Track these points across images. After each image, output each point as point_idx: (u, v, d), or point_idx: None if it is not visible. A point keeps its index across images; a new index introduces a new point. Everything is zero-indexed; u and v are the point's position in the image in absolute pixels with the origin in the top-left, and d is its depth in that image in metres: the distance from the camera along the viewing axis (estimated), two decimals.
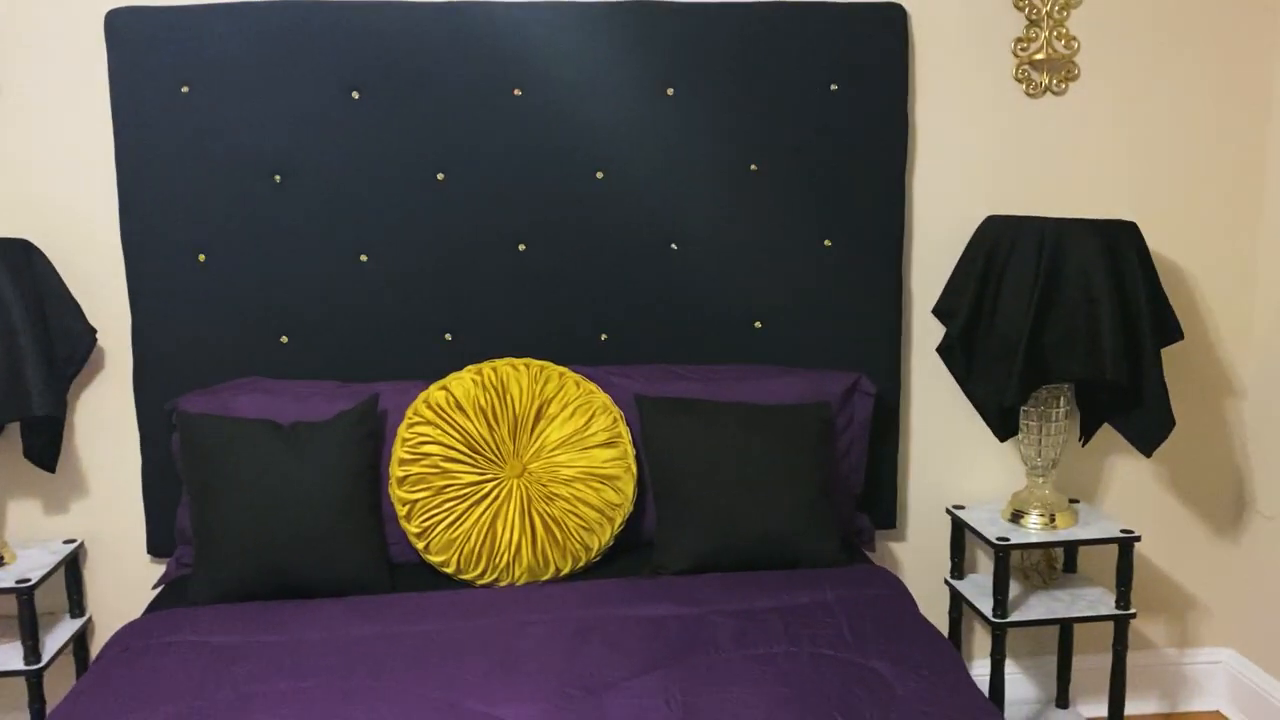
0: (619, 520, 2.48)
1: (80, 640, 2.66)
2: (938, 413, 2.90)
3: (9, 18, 2.50)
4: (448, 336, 2.69)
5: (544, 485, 2.43)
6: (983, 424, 2.83)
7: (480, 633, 2.12)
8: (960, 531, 2.84)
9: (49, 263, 2.51)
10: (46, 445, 2.52)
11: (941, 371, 2.85)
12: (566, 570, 2.44)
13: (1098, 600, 2.71)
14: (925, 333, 2.86)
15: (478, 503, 2.41)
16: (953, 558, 2.86)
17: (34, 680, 2.43)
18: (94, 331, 2.57)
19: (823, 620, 2.15)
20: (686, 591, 2.29)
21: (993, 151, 2.80)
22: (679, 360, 2.74)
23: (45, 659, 2.44)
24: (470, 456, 2.43)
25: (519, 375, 2.52)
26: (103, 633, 2.72)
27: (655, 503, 2.53)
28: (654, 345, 2.74)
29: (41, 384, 2.34)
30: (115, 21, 2.50)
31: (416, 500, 2.42)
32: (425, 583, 2.42)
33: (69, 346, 2.53)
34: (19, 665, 2.42)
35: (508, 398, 2.48)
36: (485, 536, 2.39)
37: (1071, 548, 2.87)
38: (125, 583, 2.72)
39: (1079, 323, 2.46)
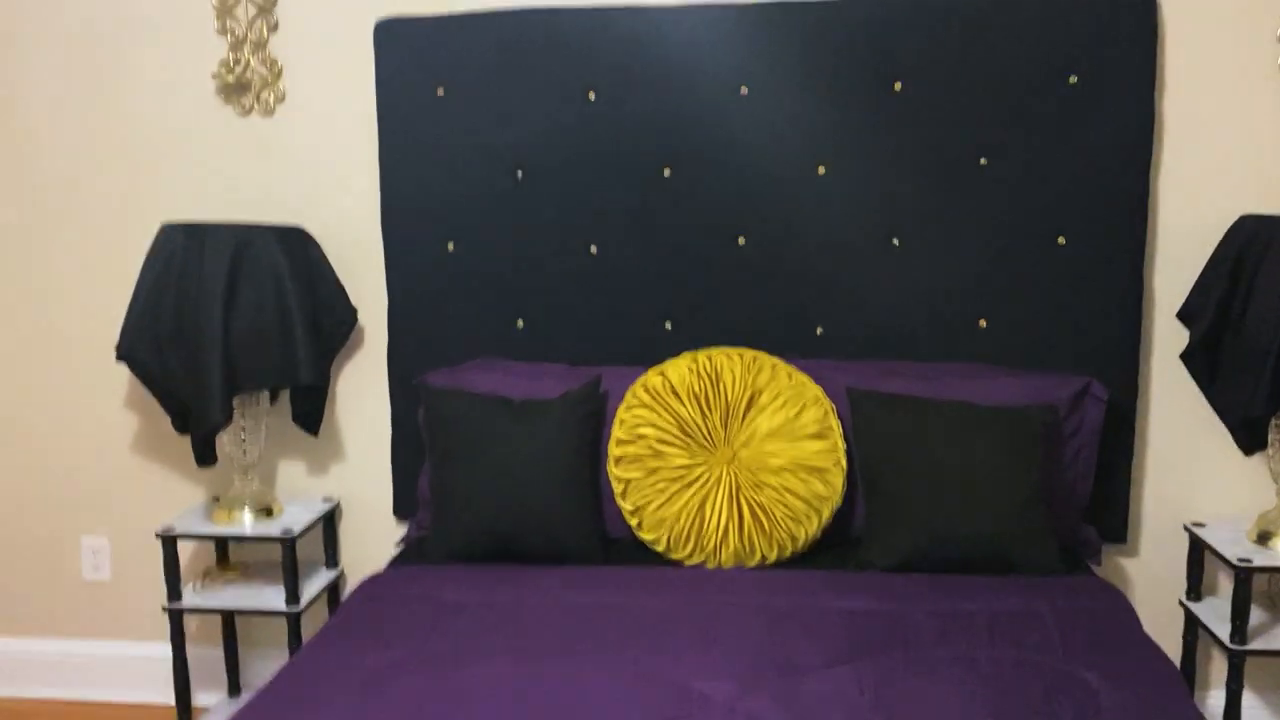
0: (826, 513, 2.49)
1: (333, 589, 2.95)
2: (1179, 423, 2.73)
3: (292, 32, 2.82)
4: (668, 325, 2.79)
5: (753, 473, 2.49)
6: (1228, 436, 2.64)
7: (685, 610, 2.19)
8: (1199, 550, 2.66)
9: (320, 249, 2.81)
10: (311, 412, 2.82)
11: (1185, 379, 2.68)
12: (773, 558, 2.49)
13: None
14: (1168, 337, 2.70)
15: (688, 485, 2.49)
16: (1189, 578, 2.68)
17: (293, 621, 2.72)
18: (355, 312, 2.86)
19: (1031, 627, 2.09)
20: (889, 587, 2.28)
21: (1249, 147, 2.60)
22: (897, 357, 2.72)
23: (303, 603, 2.74)
24: (682, 440, 2.52)
25: (732, 364, 2.58)
26: (353, 583, 3.01)
27: (864, 498, 2.52)
28: (872, 341, 2.73)
29: (310, 356, 2.63)
30: (383, 31, 2.77)
31: (631, 480, 2.53)
32: (635, 558, 2.53)
33: (334, 324, 2.82)
34: (281, 607, 2.72)
35: (720, 385, 2.55)
36: (694, 518, 2.48)
37: None
38: (373, 539, 3.00)
39: None
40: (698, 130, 2.71)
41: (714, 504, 2.47)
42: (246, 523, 2.77)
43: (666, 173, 2.74)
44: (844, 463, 2.51)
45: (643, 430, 2.54)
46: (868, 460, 2.50)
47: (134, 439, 3.04)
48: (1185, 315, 2.64)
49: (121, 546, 3.09)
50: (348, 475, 3.01)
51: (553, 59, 2.72)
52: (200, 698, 3.07)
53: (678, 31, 2.68)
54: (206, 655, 3.02)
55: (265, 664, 3.04)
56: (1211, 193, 2.62)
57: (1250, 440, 2.50)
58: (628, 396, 2.61)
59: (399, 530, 2.97)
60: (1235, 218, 2.56)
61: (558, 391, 2.65)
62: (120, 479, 3.06)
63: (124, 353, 2.58)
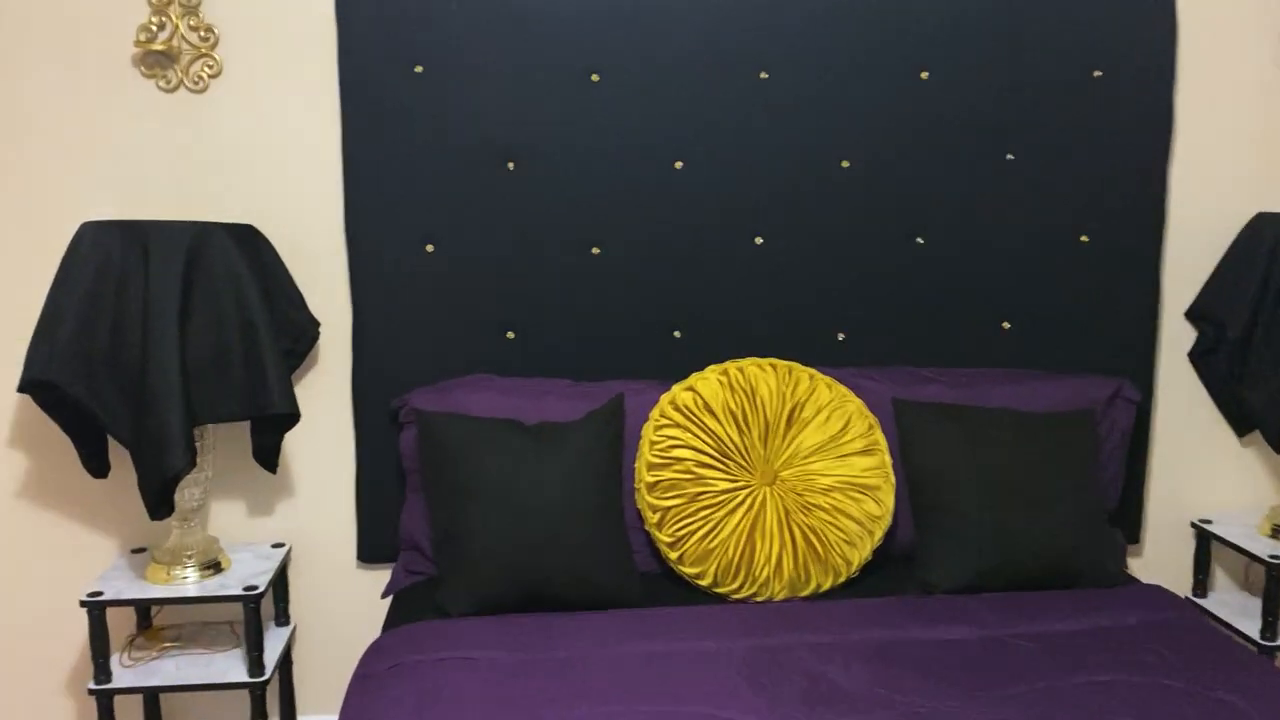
0: (879, 533, 2.32)
1: (286, 651, 2.51)
2: (1179, 422, 2.73)
3: None
4: (677, 334, 2.54)
5: (799, 495, 2.28)
6: (1224, 435, 2.68)
7: (775, 652, 1.96)
8: (1205, 547, 2.67)
9: (274, 251, 2.38)
10: (273, 447, 2.37)
11: (1182, 378, 2.69)
12: (827, 585, 2.29)
13: None
14: (1174, 336, 2.69)
15: (733, 511, 2.26)
16: (1196, 575, 2.69)
17: (258, 693, 2.29)
18: (318, 324, 2.44)
19: (1138, 645, 1.99)
20: (970, 612, 2.13)
21: (1260, 145, 2.62)
22: (920, 362, 2.58)
23: (268, 672, 2.31)
24: (722, 462, 2.28)
25: (767, 376, 2.36)
26: (307, 643, 2.59)
27: (915, 515, 2.37)
28: (894, 345, 2.58)
29: (281, 381, 2.20)
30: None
31: (669, 507, 2.27)
32: (674, 595, 2.27)
33: (291, 339, 2.39)
34: (241, 677, 2.28)
35: (757, 400, 2.33)
36: (744, 547, 2.24)
37: None
38: (330, 589, 2.59)
39: None
40: (713, 119, 2.46)
41: (764, 530, 2.25)
42: (190, 580, 2.31)
43: (678, 165, 2.48)
44: (893, 479, 2.34)
45: (679, 452, 2.28)
46: (919, 475, 2.34)
47: (14, 481, 2.48)
48: (1198, 314, 2.63)
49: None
50: (297, 516, 2.57)
51: (552, 35, 2.41)
52: None
53: (692, 10, 2.43)
54: None
55: None
56: (1221, 191, 2.63)
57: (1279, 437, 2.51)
58: (654, 415, 2.34)
59: (362, 576, 2.58)
60: (1246, 217, 2.57)
61: (569, 412, 2.35)
62: None
63: (44, 377, 2.06)
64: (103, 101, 2.37)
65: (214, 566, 2.35)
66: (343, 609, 2.59)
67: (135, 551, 2.48)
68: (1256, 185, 2.62)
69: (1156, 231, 2.60)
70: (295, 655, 2.60)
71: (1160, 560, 2.77)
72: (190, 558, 2.33)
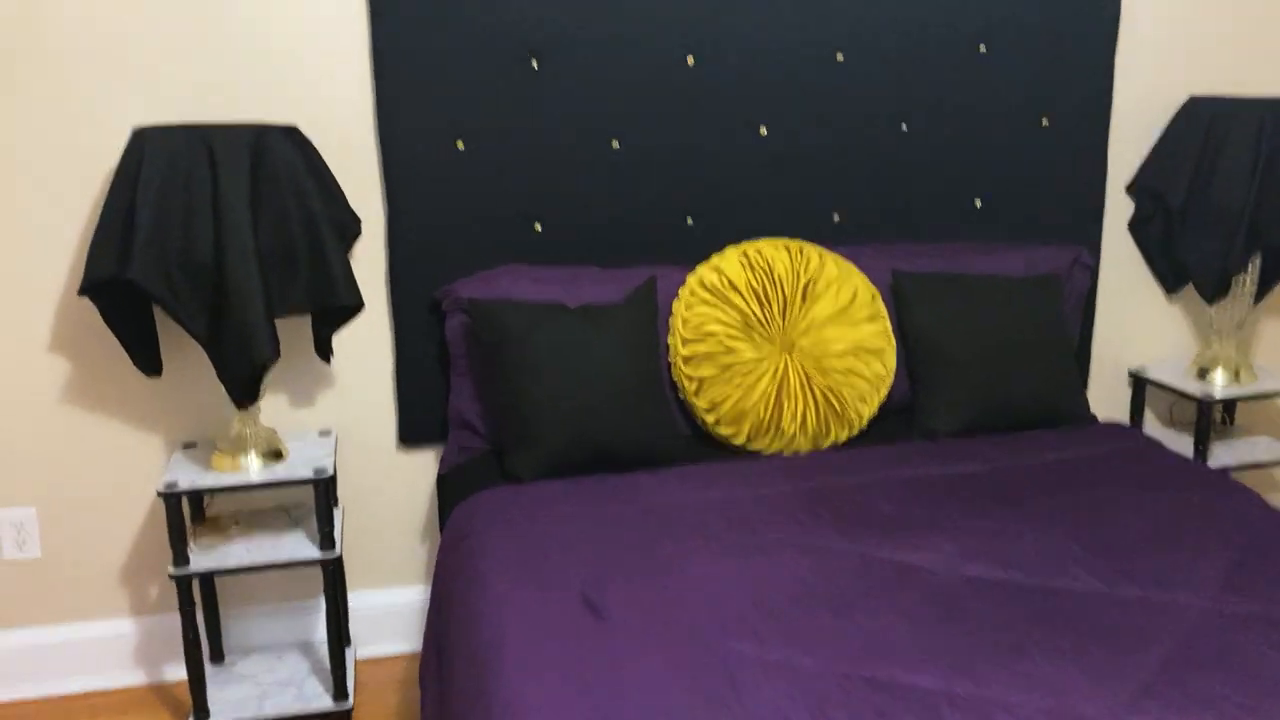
0: (884, 390, 2.62)
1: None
2: (1118, 283, 3.10)
3: None
4: (689, 220, 2.75)
5: (817, 359, 2.55)
6: (1155, 294, 3.08)
7: (822, 492, 2.24)
8: (1141, 391, 3.08)
9: (317, 150, 2.46)
10: (328, 337, 2.50)
11: (1121, 245, 3.05)
12: (844, 437, 2.59)
13: (1275, 448, 3.00)
14: (1114, 208, 3.04)
15: (760, 377, 2.51)
16: (1132, 416, 3.11)
17: (330, 568, 2.46)
18: (359, 220, 2.55)
19: (1120, 467, 2.36)
20: (976, 450, 2.46)
21: (1192, 34, 2.95)
22: (906, 238, 2.86)
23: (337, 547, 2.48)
24: (747, 334, 2.53)
25: (781, 255, 2.61)
26: (354, 522, 2.76)
27: (912, 372, 2.67)
28: (882, 224, 2.85)
29: (344, 273, 2.32)
30: None
31: (705, 377, 2.51)
32: (711, 453, 2.53)
33: (337, 235, 2.49)
34: (313, 554, 2.45)
35: (775, 277, 2.57)
36: (773, 408, 2.51)
37: (1231, 404, 3.15)
38: (373, 472, 2.75)
39: None
40: (722, 16, 2.64)
41: (789, 392, 2.52)
42: (254, 469, 2.44)
43: (689, 61, 2.65)
44: (894, 341, 2.64)
45: (710, 327, 2.52)
46: (917, 337, 2.64)
47: (57, 388, 2.54)
48: (1134, 188, 2.99)
49: (52, 517, 2.61)
50: (336, 403, 2.71)
51: None
52: (169, 671, 2.72)
53: None
54: (165, 624, 2.68)
55: (249, 625, 2.74)
56: (1159, 78, 2.96)
57: (1214, 292, 2.89)
58: (684, 294, 2.56)
59: (402, 459, 2.75)
60: (1180, 101, 2.92)
61: (602, 295, 2.55)
62: (46, 438, 2.56)
63: (125, 276, 2.13)
64: (130, 3, 2.38)
65: (276, 454, 2.48)
66: (387, 488, 2.76)
67: (186, 446, 2.58)
68: (1189, 71, 2.96)
69: (1104, 115, 2.92)
70: (343, 532, 2.76)
71: (1101, 402, 3.18)
72: (253, 446, 2.46)
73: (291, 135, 2.35)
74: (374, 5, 2.47)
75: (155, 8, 2.40)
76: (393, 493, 2.77)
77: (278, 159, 2.24)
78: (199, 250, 2.18)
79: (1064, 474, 2.33)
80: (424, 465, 2.77)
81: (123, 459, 2.60)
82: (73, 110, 2.40)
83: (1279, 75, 3.03)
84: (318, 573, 2.78)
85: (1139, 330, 3.15)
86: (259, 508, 2.68)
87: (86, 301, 2.50)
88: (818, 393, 2.53)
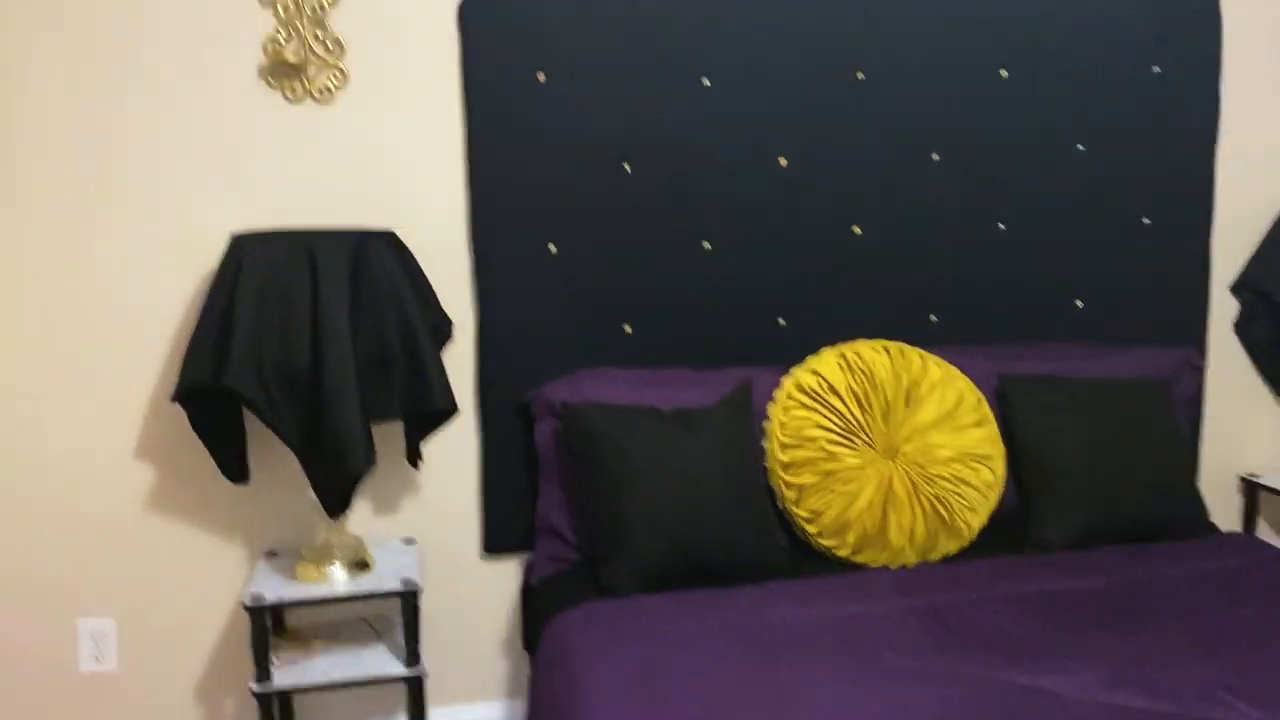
0: (993, 499, 2.50)
1: None
2: (1226, 385, 2.98)
3: (361, 7, 2.42)
4: (781, 320, 2.68)
5: (922, 467, 2.45)
6: (1265, 397, 2.94)
7: (939, 610, 2.12)
8: (1253, 497, 2.93)
9: (411, 254, 2.44)
10: (417, 443, 2.44)
11: (1227, 345, 2.94)
12: (954, 549, 2.46)
13: None
14: (1219, 308, 2.94)
15: (865, 485, 2.41)
16: (1245, 524, 2.95)
17: (416, 686, 2.36)
18: (451, 323, 2.51)
19: (1253, 582, 2.21)
20: (1095, 564, 2.33)
21: None
22: (1004, 339, 2.77)
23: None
24: (848, 439, 2.43)
25: (881, 358, 2.52)
26: (436, 631, 2.66)
27: (1021, 480, 2.55)
28: (979, 325, 2.77)
29: (440, 378, 2.27)
30: (469, 7, 2.44)
31: (806, 484, 2.41)
32: (812, 565, 2.41)
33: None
34: (398, 671, 2.35)
35: (876, 380, 2.49)
36: (879, 519, 2.40)
37: None
38: (454, 581, 2.65)
39: None
40: (815, 116, 2.62)
41: (895, 502, 2.41)
42: (340, 580, 2.36)
43: (782, 161, 2.62)
44: (1002, 447, 2.53)
45: (809, 432, 2.43)
46: (1026, 443, 2.53)
47: (141, 496, 2.49)
48: (1238, 287, 2.89)
49: (130, 628, 2.53)
50: (419, 510, 2.63)
51: (665, 40, 2.53)
52: None
53: (792, 12, 2.57)
54: None
55: None
56: (1262, 176, 2.88)
57: None
58: (780, 397, 2.48)
59: (485, 568, 2.66)
60: None
61: (696, 398, 2.48)
62: (126, 547, 2.50)
63: (223, 384, 2.10)
64: (229, 113, 2.40)
65: (362, 564, 2.40)
66: (468, 598, 2.67)
67: (269, 555, 2.51)
68: None
69: (1206, 213, 2.84)
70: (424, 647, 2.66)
71: (1211, 509, 3.01)
72: (339, 556, 2.38)
73: (389, 239, 2.33)
74: (469, 112, 2.48)
75: (262, 120, 2.41)
76: (475, 603, 2.68)
77: (376, 264, 2.22)
78: (296, 356, 2.14)
79: (1196, 590, 2.19)
80: (508, 574, 2.68)
81: (203, 568, 2.53)
82: (169, 214, 2.40)
83: None
84: (398, 687, 2.67)
85: (1248, 433, 3.01)
86: (340, 618, 2.59)
87: (173, 407, 2.45)
88: (925, 502, 2.42)
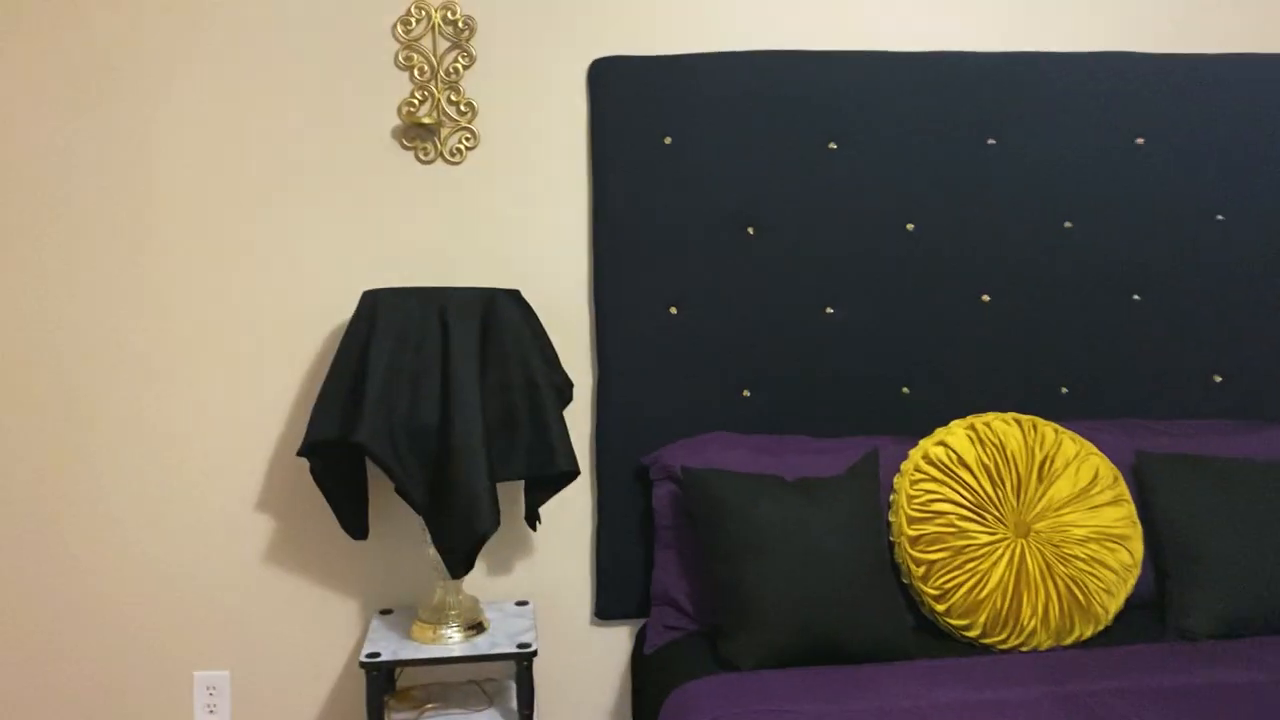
0: (1131, 582, 2.38)
1: None
2: None
3: (494, 71, 2.46)
4: (905, 390, 2.62)
5: (1056, 546, 2.34)
6: None
7: (1078, 699, 2.01)
8: None
9: (535, 313, 2.44)
10: (537, 505, 2.42)
11: None
12: (1089, 634, 2.34)
13: None
14: None
15: (996, 563, 2.31)
16: None
17: None
18: (572, 384, 2.50)
19: None
20: (1248, 656, 2.18)
21: None
22: (1137, 414, 2.66)
23: None
24: (979, 515, 2.35)
25: (1013, 431, 2.44)
26: (544, 696, 2.61)
27: (1160, 563, 2.43)
28: (1111, 399, 2.66)
29: (564, 439, 2.25)
30: (601, 71, 2.46)
31: (935, 561, 2.33)
32: (939, 646, 2.31)
33: None
34: None
35: (1008, 453, 2.40)
36: (1011, 599, 2.30)
37: None
38: (565, 645, 2.61)
39: None
40: (943, 183, 2.57)
41: (1029, 582, 2.30)
42: (456, 641, 2.33)
43: (910, 227, 2.57)
44: (1140, 528, 2.42)
45: (939, 506, 2.35)
46: (1166, 524, 2.41)
47: (261, 549, 2.51)
48: None
49: (244, 681, 2.54)
50: (531, 572, 2.61)
51: (793, 105, 2.51)
52: None
53: (923, 79, 2.54)
54: None
55: None
56: None
57: None
58: (907, 469, 2.41)
59: (595, 634, 2.61)
60: None
61: (817, 467, 2.42)
62: (244, 600, 2.51)
63: (354, 440, 2.10)
64: (365, 173, 2.44)
65: (477, 626, 2.37)
66: (582, 664, 2.62)
67: (383, 613, 2.50)
68: None
69: None
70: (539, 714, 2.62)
71: None
72: (455, 616, 2.36)
73: (515, 298, 2.33)
74: (595, 173, 2.48)
75: (385, 175, 2.45)
76: (584, 669, 2.63)
77: (504, 323, 2.22)
78: (426, 413, 2.14)
79: None
80: (619, 641, 2.63)
81: (319, 623, 2.53)
82: (302, 270, 2.45)
83: None
84: None
85: None
86: (449, 680, 2.56)
87: (295, 461, 2.48)
88: (1060, 583, 2.31)
